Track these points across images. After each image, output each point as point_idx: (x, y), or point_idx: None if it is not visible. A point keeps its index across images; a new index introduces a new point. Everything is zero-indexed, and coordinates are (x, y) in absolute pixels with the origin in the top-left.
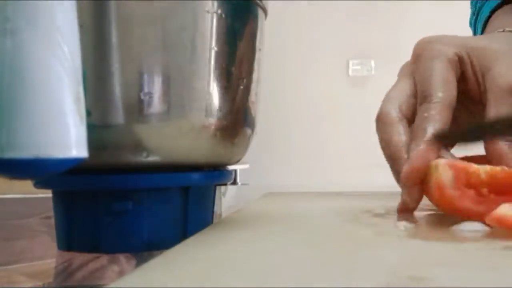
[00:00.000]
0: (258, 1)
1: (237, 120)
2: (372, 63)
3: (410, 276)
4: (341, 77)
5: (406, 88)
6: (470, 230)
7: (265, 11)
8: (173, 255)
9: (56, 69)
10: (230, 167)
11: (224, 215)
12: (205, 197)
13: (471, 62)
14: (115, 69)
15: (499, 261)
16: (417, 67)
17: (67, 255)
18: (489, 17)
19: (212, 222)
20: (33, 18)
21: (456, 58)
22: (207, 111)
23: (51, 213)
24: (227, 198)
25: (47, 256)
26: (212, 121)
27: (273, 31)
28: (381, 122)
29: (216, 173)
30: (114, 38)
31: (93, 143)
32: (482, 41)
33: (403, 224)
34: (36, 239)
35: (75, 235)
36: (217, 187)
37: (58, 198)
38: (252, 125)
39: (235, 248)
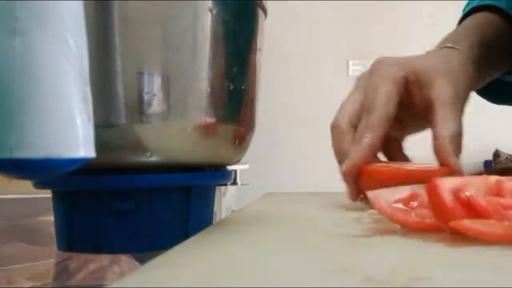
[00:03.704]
0: (258, 1)
1: (237, 120)
2: None
3: (410, 276)
4: (341, 77)
5: (357, 100)
6: None
7: (265, 11)
8: (173, 256)
9: (65, 69)
10: (230, 167)
11: (224, 215)
12: (206, 197)
13: (418, 80)
14: (117, 70)
15: (499, 261)
16: (370, 81)
17: (67, 255)
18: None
19: (212, 222)
20: (42, 18)
21: (403, 78)
22: (208, 111)
23: (51, 213)
24: (227, 198)
25: (47, 256)
26: (213, 121)
27: (273, 31)
28: (334, 132)
29: (217, 173)
30: (116, 39)
31: (95, 143)
32: (425, 61)
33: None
34: (35, 239)
35: (76, 236)
36: (217, 187)
37: (59, 198)
38: (252, 125)
39: (235, 248)
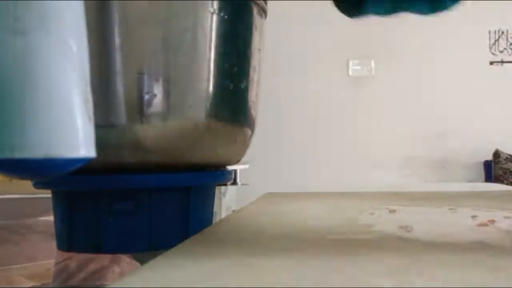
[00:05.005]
0: (258, 1)
1: (237, 120)
2: (372, 63)
3: (410, 276)
4: (341, 77)
5: None
6: None
7: (265, 11)
8: (173, 255)
9: (65, 69)
10: (230, 167)
11: (224, 215)
12: (205, 197)
13: None
14: (117, 70)
15: (498, 261)
16: None
17: (67, 255)
18: None
19: (212, 222)
20: (43, 18)
21: None
22: (208, 111)
23: (51, 213)
24: (227, 198)
25: (46, 256)
26: (213, 121)
27: (273, 31)
28: None
29: (217, 173)
30: (116, 39)
31: (95, 143)
32: None
33: None
34: (35, 239)
35: (76, 236)
36: (217, 187)
37: (59, 198)
38: (252, 125)
39: (235, 248)
